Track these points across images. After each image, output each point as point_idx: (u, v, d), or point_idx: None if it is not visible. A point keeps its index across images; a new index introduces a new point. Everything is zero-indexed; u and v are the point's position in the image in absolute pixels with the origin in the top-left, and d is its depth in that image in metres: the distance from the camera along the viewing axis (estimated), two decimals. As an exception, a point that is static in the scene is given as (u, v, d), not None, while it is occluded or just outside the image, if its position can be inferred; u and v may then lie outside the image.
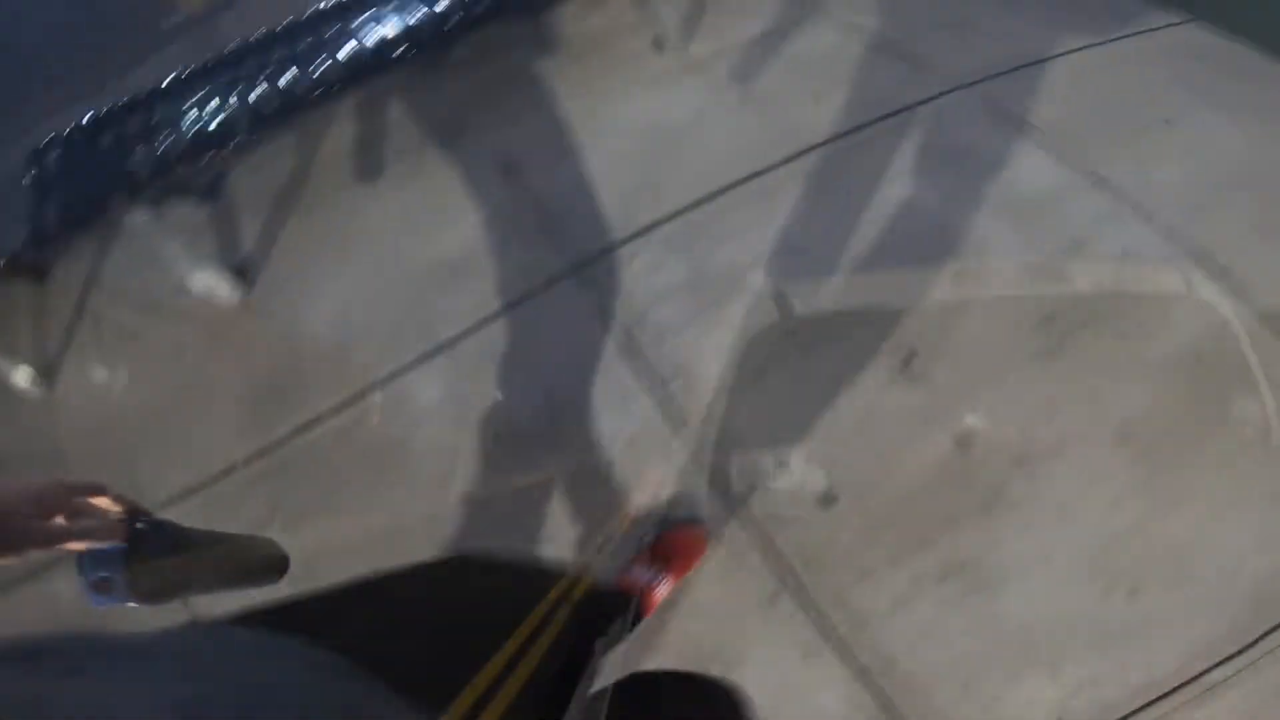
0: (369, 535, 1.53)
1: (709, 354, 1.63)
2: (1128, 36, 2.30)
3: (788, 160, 1.89)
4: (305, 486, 1.67)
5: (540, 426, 1.63)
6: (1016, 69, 2.13)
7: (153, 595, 0.62)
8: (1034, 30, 2.30)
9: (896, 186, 1.82)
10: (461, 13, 2.17)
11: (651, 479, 1.52)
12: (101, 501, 0.64)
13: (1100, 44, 2.26)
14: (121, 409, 1.89)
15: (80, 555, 0.60)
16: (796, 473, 1.49)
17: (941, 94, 2.03)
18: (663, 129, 2.03)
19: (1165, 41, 2.32)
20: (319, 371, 1.79)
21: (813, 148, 1.91)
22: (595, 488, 1.55)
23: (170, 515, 0.67)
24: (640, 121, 2.06)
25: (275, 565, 0.79)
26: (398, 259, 1.93)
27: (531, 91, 2.21)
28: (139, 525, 0.63)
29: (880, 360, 1.57)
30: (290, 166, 2.17)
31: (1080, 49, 2.23)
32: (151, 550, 0.62)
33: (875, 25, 2.31)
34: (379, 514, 1.60)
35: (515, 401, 1.67)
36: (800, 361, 1.61)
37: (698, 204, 1.82)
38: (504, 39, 2.30)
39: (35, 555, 0.58)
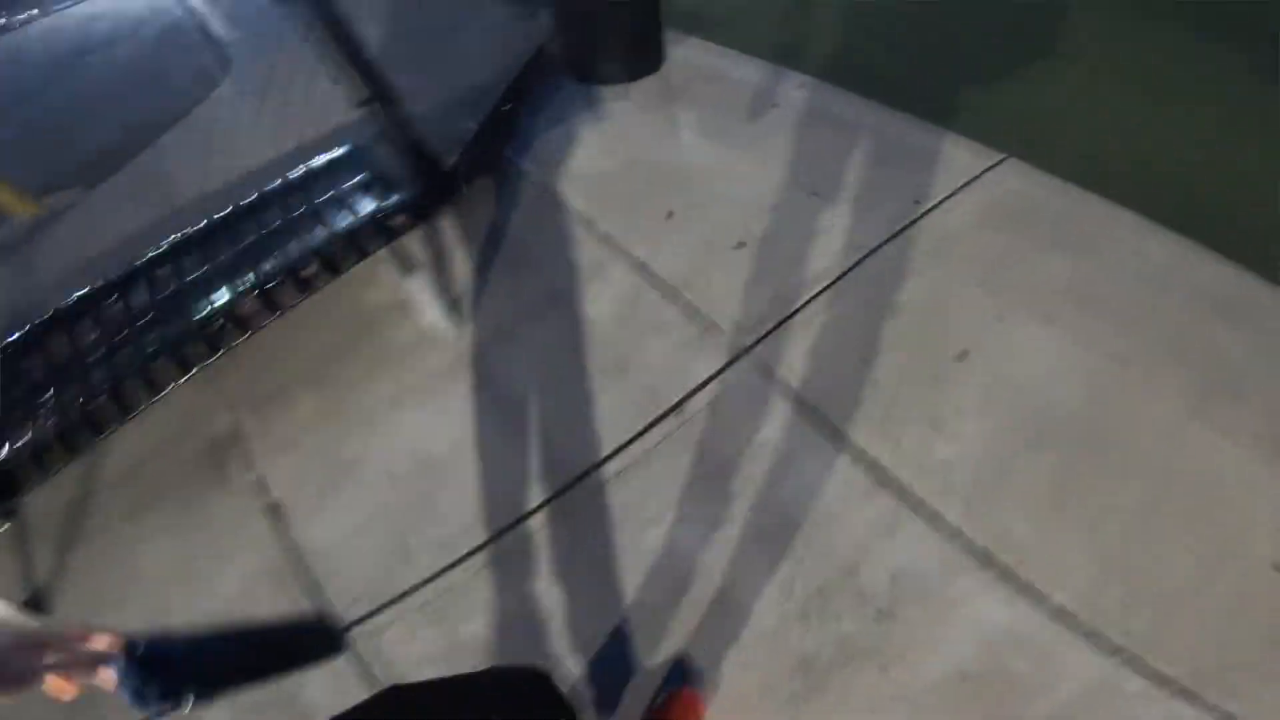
0: None
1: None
2: (945, 200, 2.13)
3: (550, 499, 1.77)
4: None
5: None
6: (804, 306, 1.99)
7: (197, 696, 0.69)
8: (835, 230, 2.14)
9: (657, 522, 1.70)
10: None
11: None
12: (95, 639, 0.70)
13: (910, 225, 2.09)
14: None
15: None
16: None
17: (715, 375, 1.90)
18: (425, 463, 1.93)
19: (979, 200, 2.14)
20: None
21: (577, 480, 1.79)
22: None
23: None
24: (402, 452, 1.96)
25: (326, 642, 0.88)
26: (168, 612, 1.85)
27: (296, 408, 2.13)
28: (142, 643, 0.70)
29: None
30: (74, 492, 2.14)
31: (884, 244, 2.07)
32: (166, 658, 0.69)
33: (665, 263, 2.19)
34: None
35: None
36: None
37: (456, 564, 1.73)
38: (272, 340, 2.27)
39: (34, 689, 0.65)
